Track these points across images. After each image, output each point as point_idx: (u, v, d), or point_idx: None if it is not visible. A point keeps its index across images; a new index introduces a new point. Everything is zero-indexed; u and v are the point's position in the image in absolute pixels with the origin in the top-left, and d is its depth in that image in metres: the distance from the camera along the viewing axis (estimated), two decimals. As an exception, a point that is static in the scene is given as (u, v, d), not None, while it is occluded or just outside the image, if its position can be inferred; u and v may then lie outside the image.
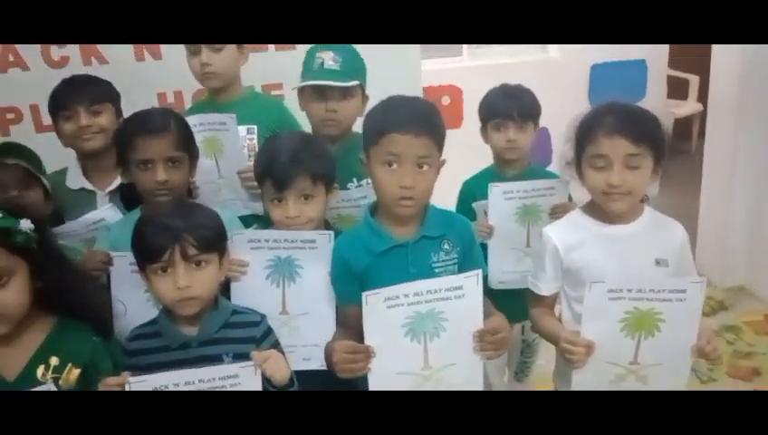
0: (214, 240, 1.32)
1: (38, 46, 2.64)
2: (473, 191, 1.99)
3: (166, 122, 1.61)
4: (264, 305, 1.46)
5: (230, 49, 2.00)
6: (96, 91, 1.87)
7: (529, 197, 1.86)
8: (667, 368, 1.38)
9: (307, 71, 1.87)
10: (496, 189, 1.84)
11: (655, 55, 4.39)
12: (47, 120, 2.63)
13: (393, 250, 1.40)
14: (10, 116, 2.70)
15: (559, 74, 4.37)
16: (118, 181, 1.85)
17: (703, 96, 4.22)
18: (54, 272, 1.26)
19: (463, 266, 1.42)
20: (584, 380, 1.40)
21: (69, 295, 1.26)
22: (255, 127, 2.03)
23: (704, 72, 3.78)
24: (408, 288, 1.26)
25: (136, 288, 1.53)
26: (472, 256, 1.46)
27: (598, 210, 1.49)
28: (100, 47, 2.69)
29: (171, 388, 1.17)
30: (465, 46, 4.65)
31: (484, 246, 1.71)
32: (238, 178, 1.90)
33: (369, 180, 1.50)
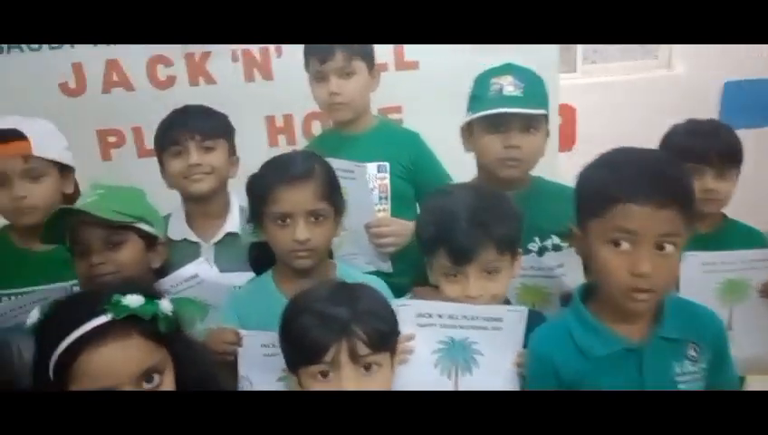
0: (388, 335, 1.04)
1: (144, 65, 2.46)
2: None
3: (309, 168, 1.34)
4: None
5: (362, 74, 1.73)
6: (210, 125, 1.61)
7: (736, 270, 1.47)
8: None
9: (479, 100, 1.53)
10: (694, 259, 1.43)
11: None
12: (151, 143, 2.48)
13: (621, 356, 1.07)
14: (112, 139, 2.51)
15: (683, 93, 3.96)
16: (224, 232, 1.61)
17: None
18: (191, 360, 1.01)
19: (713, 381, 1.07)
20: None
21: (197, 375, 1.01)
22: (388, 165, 1.76)
23: None
24: None
25: (268, 372, 1.27)
26: (724, 365, 1.11)
27: None
28: (209, 67, 2.47)
29: None
30: (579, 62, 4.30)
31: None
32: (365, 231, 1.64)
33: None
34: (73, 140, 2.42)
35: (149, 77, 2.47)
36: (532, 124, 1.49)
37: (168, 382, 0.95)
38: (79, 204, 1.35)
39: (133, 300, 0.93)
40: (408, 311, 1.20)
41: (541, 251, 1.46)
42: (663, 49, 4.35)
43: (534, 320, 1.20)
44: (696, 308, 1.16)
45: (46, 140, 1.53)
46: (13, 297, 1.47)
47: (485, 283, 1.19)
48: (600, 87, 4.05)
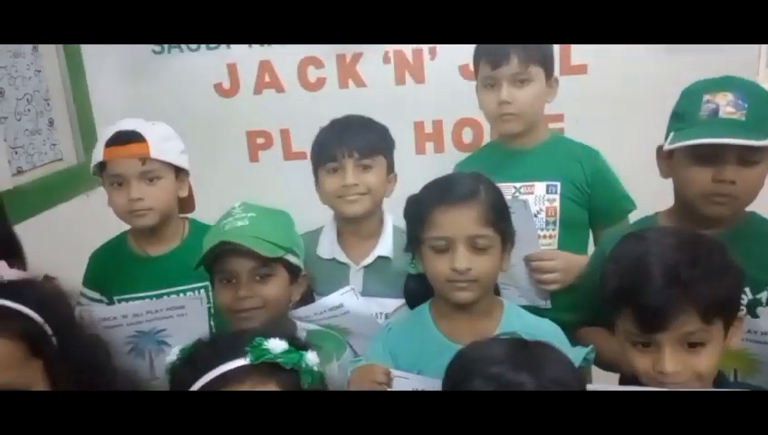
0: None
1: (295, 66, 2.42)
2: None
3: (474, 189, 1.16)
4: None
5: (538, 82, 1.53)
6: (369, 140, 1.49)
7: None
8: None
9: (688, 121, 1.24)
10: None
11: None
12: (298, 146, 2.45)
13: None
14: (260, 141, 2.50)
15: None
16: (375, 255, 1.49)
17: None
18: None
19: None
20: None
21: None
22: (559, 185, 1.55)
23: None
24: None
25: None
26: None
27: None
28: (360, 69, 2.37)
29: None
30: (762, 68, 3.74)
31: None
32: (525, 264, 1.45)
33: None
34: (223, 140, 2.48)
35: (300, 78, 2.43)
36: (755, 156, 1.19)
37: None
38: (229, 227, 1.28)
39: (276, 345, 0.84)
40: None
41: (752, 306, 1.17)
42: None
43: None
44: None
45: (163, 143, 1.49)
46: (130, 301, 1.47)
47: (686, 357, 0.95)
48: None
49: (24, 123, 2.14)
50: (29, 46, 2.19)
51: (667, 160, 1.29)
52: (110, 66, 2.44)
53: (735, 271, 0.97)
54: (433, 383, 1.02)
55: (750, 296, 1.19)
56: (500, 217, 1.17)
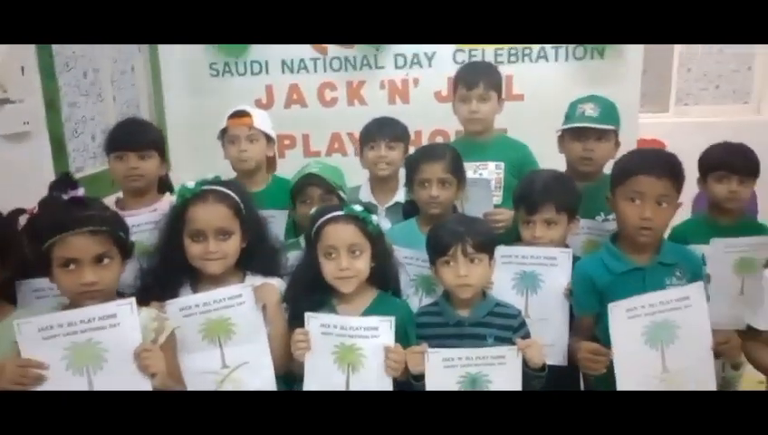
0: (486, 244, 1.69)
1: (316, 88, 3.31)
2: (684, 236, 2.13)
3: (442, 152, 2.06)
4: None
5: (493, 101, 2.37)
6: (395, 131, 2.33)
7: (749, 251, 2.01)
8: None
9: (569, 118, 2.22)
10: (719, 243, 2.00)
11: None
12: (316, 147, 3.34)
13: (631, 273, 1.71)
14: (287, 142, 3.37)
15: None
16: (393, 201, 2.32)
17: None
18: (384, 254, 1.72)
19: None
20: None
21: (387, 270, 1.72)
22: (503, 164, 2.39)
23: None
24: (645, 299, 1.56)
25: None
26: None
27: None
28: (364, 93, 3.29)
29: (447, 364, 1.54)
30: (672, 103, 4.78)
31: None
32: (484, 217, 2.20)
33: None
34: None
35: (318, 98, 3.33)
36: (604, 136, 2.14)
37: (366, 257, 1.63)
38: (308, 169, 2.11)
39: (358, 208, 1.67)
40: (498, 253, 1.84)
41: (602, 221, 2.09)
42: (754, 95, 4.76)
43: (575, 260, 1.82)
44: (685, 248, 1.78)
45: (261, 119, 2.34)
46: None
47: (547, 230, 1.84)
48: (690, 127, 4.36)
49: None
50: (129, 65, 3.06)
51: (561, 141, 2.24)
52: (178, 83, 3.29)
53: (576, 192, 1.89)
54: (421, 253, 1.85)
55: (603, 217, 2.07)
56: (458, 169, 2.04)
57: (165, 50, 3.29)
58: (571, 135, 2.19)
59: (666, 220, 1.69)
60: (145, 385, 1.37)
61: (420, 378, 1.55)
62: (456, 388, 1.55)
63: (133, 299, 1.39)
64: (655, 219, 1.65)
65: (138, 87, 3.13)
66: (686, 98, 4.84)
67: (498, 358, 1.55)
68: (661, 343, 1.59)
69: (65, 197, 1.57)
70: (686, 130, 4.31)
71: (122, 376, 1.36)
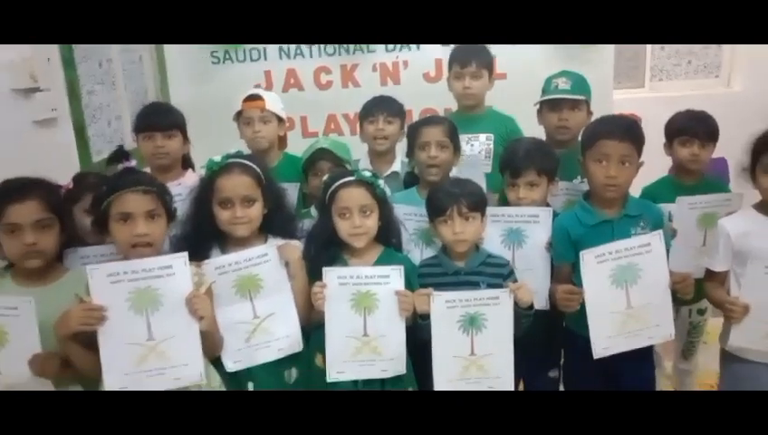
0: (480, 204, 1.94)
1: (312, 72, 3.53)
2: (654, 195, 2.38)
3: (441, 120, 2.36)
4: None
5: (485, 78, 2.62)
6: (393, 108, 2.57)
7: (709, 207, 2.26)
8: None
9: (545, 91, 2.49)
10: (684, 201, 2.24)
11: None
12: (313, 128, 3.56)
13: (601, 224, 1.97)
14: (286, 124, 3.55)
15: (741, 108, 4.54)
16: (390, 171, 2.56)
17: None
18: (389, 214, 1.96)
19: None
20: (740, 335, 1.84)
21: (391, 227, 1.97)
22: (492, 135, 2.63)
23: None
24: (611, 247, 1.83)
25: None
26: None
27: (766, 207, 1.94)
28: (357, 75, 3.51)
29: (450, 305, 1.79)
30: (647, 79, 5.05)
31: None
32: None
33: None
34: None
35: (315, 81, 3.55)
36: (577, 105, 2.41)
37: (375, 216, 1.88)
38: (319, 144, 2.36)
39: (368, 173, 1.91)
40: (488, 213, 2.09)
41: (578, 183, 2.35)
42: (724, 69, 5.03)
43: (555, 215, 2.08)
44: (647, 202, 2.05)
45: (273, 101, 2.56)
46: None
47: (529, 192, 2.09)
48: (664, 101, 4.56)
49: (135, 107, 3.19)
50: (137, 55, 3.26)
51: (540, 114, 2.50)
52: (182, 71, 3.50)
53: (554, 157, 2.14)
54: (418, 210, 2.09)
55: (580, 179, 2.31)
56: (453, 135, 2.27)
57: (169, 39, 3.49)
58: (548, 107, 2.46)
59: (628, 177, 1.95)
60: (194, 326, 1.61)
61: (426, 317, 1.80)
62: (456, 326, 1.80)
63: (186, 253, 1.63)
64: (619, 177, 1.92)
65: (145, 75, 3.33)
66: (660, 74, 5.10)
67: (493, 299, 1.80)
68: (626, 283, 1.85)
69: (120, 166, 1.80)
70: (661, 103, 4.46)
71: (175, 318, 1.61)
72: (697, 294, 2.09)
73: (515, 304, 1.81)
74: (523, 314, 1.84)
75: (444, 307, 1.79)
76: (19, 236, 1.66)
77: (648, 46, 5.02)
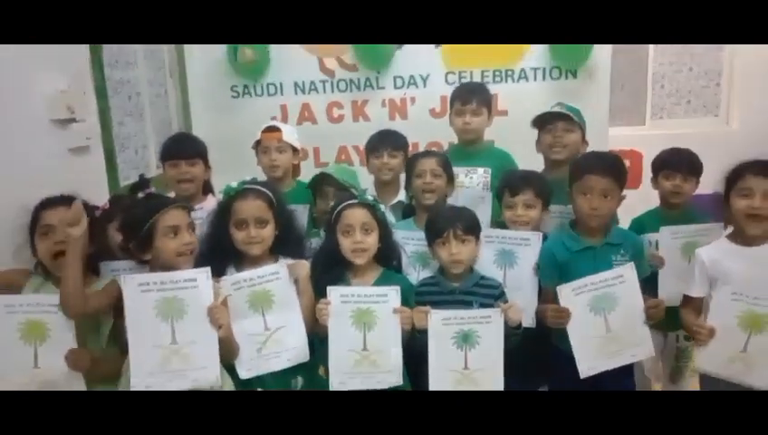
0: (474, 228, 2.12)
1: (324, 107, 3.77)
2: (642, 226, 2.58)
3: (435, 152, 2.62)
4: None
5: (484, 115, 2.80)
6: (396, 141, 2.78)
7: (691, 236, 2.42)
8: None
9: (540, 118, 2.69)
10: (666, 231, 2.42)
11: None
12: (324, 159, 3.78)
13: (585, 250, 2.15)
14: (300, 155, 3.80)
15: (738, 145, 4.69)
16: (395, 200, 2.75)
17: None
18: (389, 237, 2.15)
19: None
20: (706, 359, 1.98)
21: (391, 251, 2.15)
22: (490, 169, 2.79)
23: None
24: (587, 280, 2.01)
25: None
26: (640, 263, 2.15)
27: (738, 237, 2.09)
28: (367, 110, 3.74)
29: (445, 322, 1.95)
30: (648, 117, 5.25)
31: (655, 274, 2.35)
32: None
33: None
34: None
35: (327, 115, 3.78)
36: (571, 128, 2.59)
37: (375, 236, 2.07)
38: (324, 169, 2.58)
39: (370, 197, 2.11)
40: (484, 234, 2.27)
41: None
42: (722, 108, 5.21)
43: (545, 238, 2.25)
44: (628, 232, 2.24)
45: (289, 133, 2.78)
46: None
47: (526, 211, 2.26)
48: (664, 138, 4.73)
49: (160, 137, 3.42)
50: (163, 89, 3.51)
51: (537, 142, 2.69)
52: (204, 104, 3.75)
53: (549, 187, 2.31)
54: (416, 234, 2.29)
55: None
56: (447, 166, 2.48)
57: (192, 75, 3.75)
58: (543, 129, 2.65)
59: (609, 209, 2.14)
60: (213, 334, 1.81)
61: (423, 332, 1.96)
62: (451, 341, 1.96)
63: (209, 268, 1.83)
64: (600, 208, 2.11)
65: (170, 108, 3.57)
66: (661, 112, 5.30)
67: (485, 317, 1.97)
68: (603, 311, 2.03)
69: (142, 194, 2.00)
70: (661, 141, 4.59)
71: (197, 325, 1.80)
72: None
73: (505, 322, 1.98)
74: (513, 333, 2.00)
75: (440, 324, 1.96)
76: (51, 237, 1.89)
77: (649, 84, 5.23)
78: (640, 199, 2.67)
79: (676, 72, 5.23)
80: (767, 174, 2.00)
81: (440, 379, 1.97)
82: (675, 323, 2.27)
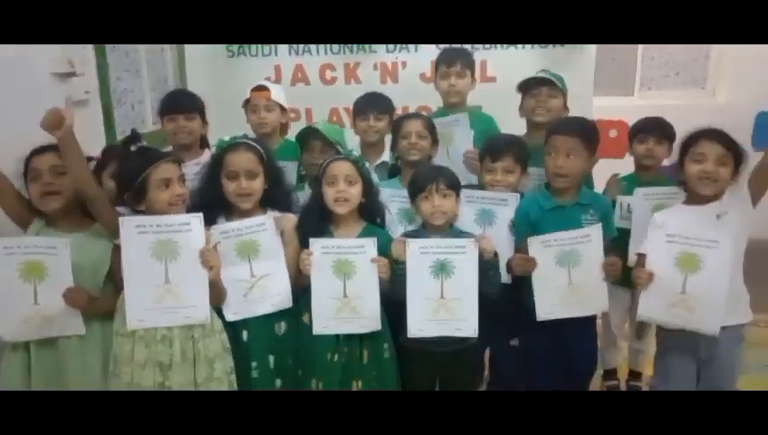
0: (455, 184, 2.23)
1: (317, 68, 3.84)
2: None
3: (420, 115, 2.70)
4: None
5: (468, 78, 2.88)
6: (381, 104, 2.85)
7: (661, 198, 2.53)
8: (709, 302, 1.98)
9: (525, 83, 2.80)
10: (639, 192, 2.56)
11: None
12: (316, 119, 3.85)
13: (556, 209, 2.28)
14: (292, 115, 3.80)
15: (724, 118, 4.77)
16: (380, 160, 2.85)
17: None
18: (373, 193, 2.27)
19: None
20: (647, 306, 2.09)
21: (375, 207, 2.27)
22: (473, 131, 2.85)
23: None
24: (557, 235, 2.14)
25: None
26: (608, 223, 2.30)
27: (691, 200, 2.19)
28: (359, 73, 3.82)
29: (423, 250, 2.07)
30: (637, 88, 5.33)
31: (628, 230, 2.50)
32: (464, 157, 2.75)
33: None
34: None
35: (320, 77, 3.85)
36: (553, 93, 2.71)
37: (359, 187, 2.17)
38: (312, 124, 2.69)
39: (356, 153, 2.24)
40: (463, 195, 2.38)
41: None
42: (709, 81, 5.29)
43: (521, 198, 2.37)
44: (598, 194, 2.36)
45: (277, 92, 2.86)
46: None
47: (506, 176, 2.38)
48: (652, 109, 4.76)
49: (156, 93, 3.52)
50: (159, 46, 3.59)
51: (521, 107, 2.80)
52: (199, 62, 3.81)
53: (528, 152, 2.41)
54: (401, 192, 2.41)
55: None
56: (431, 128, 2.58)
57: (188, 33, 3.81)
58: (527, 94, 2.76)
59: (574, 169, 2.24)
60: (204, 275, 1.95)
61: (401, 263, 2.10)
62: (428, 271, 2.09)
63: (201, 214, 1.96)
64: (565, 168, 2.24)
65: (166, 65, 3.66)
66: (650, 83, 5.39)
67: (460, 247, 2.10)
68: (568, 265, 2.16)
69: (134, 147, 2.10)
70: (648, 112, 4.64)
71: (189, 267, 1.94)
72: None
73: (480, 254, 2.10)
74: (491, 265, 2.14)
75: (418, 253, 2.10)
76: (40, 181, 2.01)
77: (639, 56, 5.30)
78: (628, 169, 2.84)
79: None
80: (720, 140, 2.10)
81: (418, 307, 2.10)
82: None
